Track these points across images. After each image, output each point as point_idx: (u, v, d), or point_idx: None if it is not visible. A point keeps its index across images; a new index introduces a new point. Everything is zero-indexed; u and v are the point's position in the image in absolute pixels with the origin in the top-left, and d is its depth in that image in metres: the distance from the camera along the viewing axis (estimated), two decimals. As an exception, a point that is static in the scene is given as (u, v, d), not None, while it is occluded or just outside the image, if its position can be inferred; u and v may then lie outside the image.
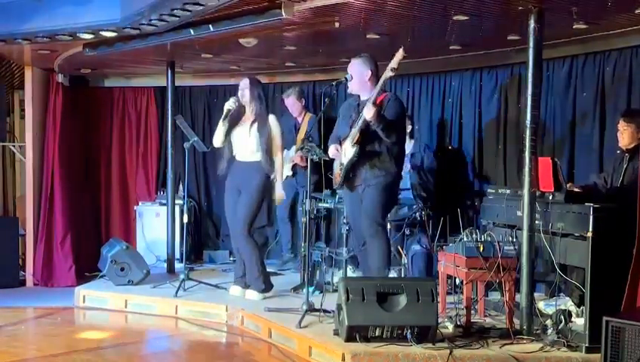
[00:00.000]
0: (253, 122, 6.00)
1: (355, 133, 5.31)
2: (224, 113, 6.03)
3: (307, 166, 5.65)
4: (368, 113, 5.09)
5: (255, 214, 6.01)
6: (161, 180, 8.48)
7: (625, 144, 5.23)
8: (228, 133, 6.06)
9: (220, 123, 6.07)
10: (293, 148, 7.31)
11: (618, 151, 5.37)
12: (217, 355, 5.20)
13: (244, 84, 6.04)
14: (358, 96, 5.51)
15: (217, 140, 6.12)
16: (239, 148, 6.06)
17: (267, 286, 6.02)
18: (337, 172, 5.58)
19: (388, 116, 5.24)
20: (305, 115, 7.52)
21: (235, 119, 6.08)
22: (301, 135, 7.24)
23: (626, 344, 3.77)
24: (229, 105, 6.02)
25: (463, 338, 4.61)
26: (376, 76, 5.37)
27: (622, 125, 5.23)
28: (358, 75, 5.43)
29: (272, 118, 6.03)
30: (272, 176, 5.99)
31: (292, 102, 7.50)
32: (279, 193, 6.11)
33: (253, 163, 5.97)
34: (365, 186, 5.38)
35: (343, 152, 5.46)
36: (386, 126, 5.19)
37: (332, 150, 5.56)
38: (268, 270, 6.23)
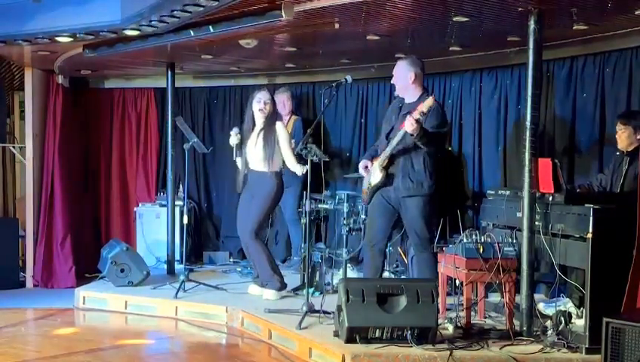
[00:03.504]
0: (260, 132, 6.04)
1: (387, 152, 5.26)
2: (235, 149, 6.16)
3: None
4: (410, 127, 5.00)
5: (263, 219, 6.16)
6: (161, 181, 8.46)
7: (623, 146, 5.21)
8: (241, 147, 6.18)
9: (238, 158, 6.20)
10: None
11: (617, 153, 5.36)
12: (217, 356, 5.20)
13: (267, 96, 6.08)
14: (403, 98, 5.47)
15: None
16: (250, 157, 6.10)
17: (282, 284, 6.05)
18: (365, 189, 5.57)
19: (428, 127, 5.15)
20: (291, 117, 7.52)
21: (247, 131, 6.16)
22: None
23: (626, 345, 3.77)
24: (234, 141, 6.15)
25: (463, 340, 4.61)
26: (421, 78, 5.37)
27: (619, 127, 5.23)
28: (402, 78, 5.38)
29: (278, 125, 6.05)
30: (300, 173, 5.90)
31: (284, 100, 7.46)
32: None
33: (264, 172, 6.01)
34: (399, 197, 5.32)
35: (373, 172, 5.42)
36: (426, 139, 5.12)
37: (362, 167, 5.54)
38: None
